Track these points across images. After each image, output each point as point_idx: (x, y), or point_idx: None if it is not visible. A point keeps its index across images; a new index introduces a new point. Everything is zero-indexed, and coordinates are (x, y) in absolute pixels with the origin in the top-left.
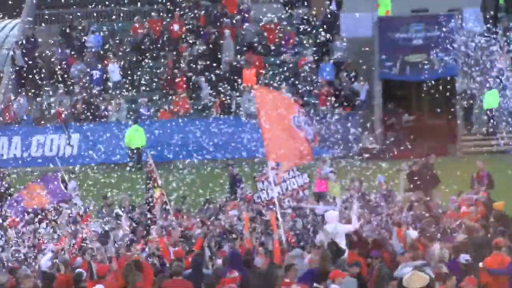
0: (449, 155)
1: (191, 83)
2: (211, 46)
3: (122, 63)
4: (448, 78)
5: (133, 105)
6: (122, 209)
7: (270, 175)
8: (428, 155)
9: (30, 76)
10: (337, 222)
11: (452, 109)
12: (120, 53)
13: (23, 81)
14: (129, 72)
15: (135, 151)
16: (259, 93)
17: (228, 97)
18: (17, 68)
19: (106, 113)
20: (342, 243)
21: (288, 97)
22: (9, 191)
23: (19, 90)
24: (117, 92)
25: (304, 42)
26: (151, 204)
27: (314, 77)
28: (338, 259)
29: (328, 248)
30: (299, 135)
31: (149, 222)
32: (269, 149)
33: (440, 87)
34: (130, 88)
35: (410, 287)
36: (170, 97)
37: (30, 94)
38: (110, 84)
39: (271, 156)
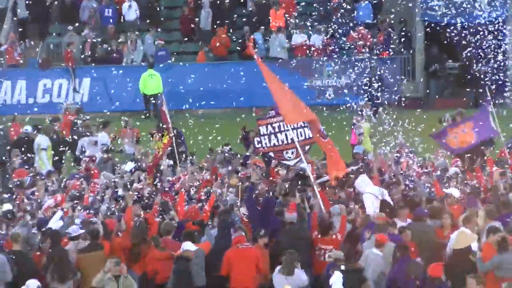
0: (498, 105)
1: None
2: None
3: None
4: (499, 21)
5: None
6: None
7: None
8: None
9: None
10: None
11: (502, 55)
12: None
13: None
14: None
15: (150, 98)
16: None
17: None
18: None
19: (120, 55)
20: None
21: None
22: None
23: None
24: (134, 32)
25: None
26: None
27: (349, 19)
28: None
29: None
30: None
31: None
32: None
33: (489, 31)
34: (147, 28)
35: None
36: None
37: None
38: (125, 23)
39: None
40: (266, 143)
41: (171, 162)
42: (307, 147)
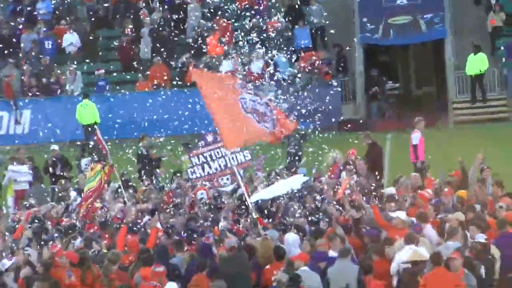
0: (439, 125)
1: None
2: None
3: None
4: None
5: (90, 77)
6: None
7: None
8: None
9: None
10: None
11: (442, 75)
12: (73, 20)
13: None
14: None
15: (88, 128)
16: (197, 77)
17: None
18: None
19: (59, 87)
20: None
21: (227, 77)
22: None
23: None
24: (73, 63)
25: (276, 5)
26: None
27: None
28: None
29: None
30: (253, 123)
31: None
32: (225, 139)
33: (428, 52)
34: (86, 59)
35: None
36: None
37: None
38: (64, 55)
39: (229, 145)
40: (200, 173)
41: (116, 185)
42: (241, 171)
